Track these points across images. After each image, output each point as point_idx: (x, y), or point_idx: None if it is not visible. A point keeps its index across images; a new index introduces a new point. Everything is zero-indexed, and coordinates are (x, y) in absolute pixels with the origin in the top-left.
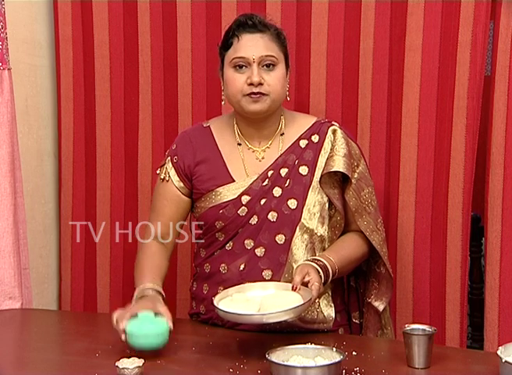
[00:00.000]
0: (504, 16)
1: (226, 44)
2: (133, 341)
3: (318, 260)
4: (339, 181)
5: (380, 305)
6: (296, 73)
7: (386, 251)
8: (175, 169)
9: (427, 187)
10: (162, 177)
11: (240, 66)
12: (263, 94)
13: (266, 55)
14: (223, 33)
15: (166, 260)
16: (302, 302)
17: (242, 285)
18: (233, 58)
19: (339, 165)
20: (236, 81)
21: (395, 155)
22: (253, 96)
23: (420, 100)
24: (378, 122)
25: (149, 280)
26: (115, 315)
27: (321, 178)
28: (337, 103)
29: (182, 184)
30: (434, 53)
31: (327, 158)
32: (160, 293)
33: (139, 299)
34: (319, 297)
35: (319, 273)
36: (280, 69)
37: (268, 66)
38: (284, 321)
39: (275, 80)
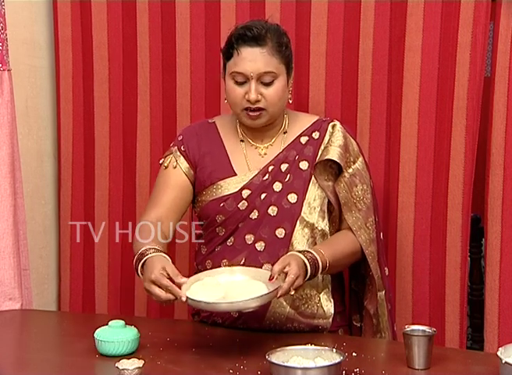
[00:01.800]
0: (504, 16)
1: (227, 54)
2: (103, 348)
3: (308, 252)
4: (335, 175)
5: (371, 309)
6: (295, 74)
7: (373, 251)
8: (184, 156)
9: (426, 188)
10: (167, 165)
11: (240, 80)
12: (261, 108)
13: (265, 72)
14: (224, 36)
15: (164, 236)
16: (267, 291)
17: (212, 270)
18: (232, 72)
19: (332, 154)
20: (234, 94)
21: (394, 155)
22: (251, 114)
23: (419, 101)
24: (378, 122)
25: (145, 246)
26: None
27: (315, 169)
28: (336, 104)
29: (192, 172)
30: (434, 54)
31: (323, 150)
32: (157, 249)
33: (144, 269)
34: (305, 290)
35: (305, 265)
36: (280, 81)
37: (266, 81)
38: (251, 308)
39: (273, 95)
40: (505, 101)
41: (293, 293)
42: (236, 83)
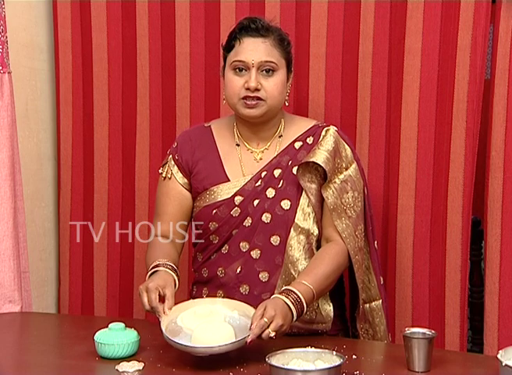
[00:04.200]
0: (504, 19)
1: (228, 46)
2: (103, 350)
3: (291, 291)
4: (320, 178)
5: (359, 318)
6: (295, 76)
7: (359, 260)
8: (177, 166)
9: (426, 191)
10: (164, 176)
11: (240, 69)
12: (259, 99)
13: (266, 61)
14: (224, 38)
15: (177, 253)
16: (234, 340)
17: (192, 300)
18: (233, 61)
19: (317, 157)
20: (234, 84)
21: (394, 158)
22: (248, 102)
23: (419, 103)
24: (378, 125)
25: (161, 259)
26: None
27: (298, 169)
28: (336, 106)
29: (186, 180)
30: (433, 56)
31: (310, 151)
32: (172, 267)
33: (152, 276)
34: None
35: (287, 305)
36: (280, 75)
37: (267, 71)
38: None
39: (272, 86)
40: (505, 104)
41: (273, 335)
42: (236, 73)
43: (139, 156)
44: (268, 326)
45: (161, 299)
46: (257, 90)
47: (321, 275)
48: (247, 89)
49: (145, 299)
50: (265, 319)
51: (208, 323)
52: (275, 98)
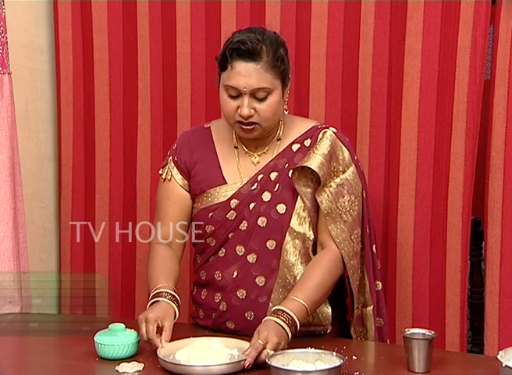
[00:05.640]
0: (504, 20)
1: (222, 65)
2: (103, 351)
3: (282, 312)
4: (316, 182)
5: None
6: (295, 78)
7: (355, 265)
8: (177, 167)
9: (426, 192)
10: (164, 177)
11: (233, 94)
12: (254, 123)
13: (258, 88)
14: (224, 40)
15: (177, 263)
16: (232, 360)
17: (191, 339)
18: (226, 85)
19: (312, 162)
20: (228, 106)
21: (394, 159)
22: (244, 127)
23: (419, 104)
24: (378, 126)
25: (162, 283)
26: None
27: (293, 173)
28: (336, 107)
29: (186, 182)
30: (433, 57)
31: (305, 155)
32: (174, 296)
33: (153, 305)
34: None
35: (280, 325)
36: (274, 96)
37: (260, 95)
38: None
39: (266, 110)
40: (505, 105)
41: (272, 353)
42: (230, 96)
43: (140, 157)
44: (265, 348)
45: (159, 330)
46: (250, 116)
47: (313, 288)
48: (240, 115)
49: (143, 330)
50: (260, 340)
51: (206, 349)
52: (269, 120)
